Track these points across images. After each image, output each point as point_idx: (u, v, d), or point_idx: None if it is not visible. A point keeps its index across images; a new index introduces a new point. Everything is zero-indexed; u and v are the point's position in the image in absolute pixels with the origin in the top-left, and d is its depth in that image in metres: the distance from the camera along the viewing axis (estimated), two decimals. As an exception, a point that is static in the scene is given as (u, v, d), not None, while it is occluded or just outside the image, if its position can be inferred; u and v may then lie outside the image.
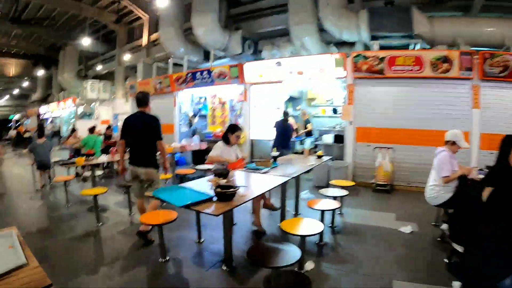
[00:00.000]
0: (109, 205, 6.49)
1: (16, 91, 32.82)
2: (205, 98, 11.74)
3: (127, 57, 18.36)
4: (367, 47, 9.70)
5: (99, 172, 7.81)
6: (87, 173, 8.16)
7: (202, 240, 4.50)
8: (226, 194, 3.07)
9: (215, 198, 3.12)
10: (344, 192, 5.14)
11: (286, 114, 8.36)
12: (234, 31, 12.00)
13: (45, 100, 30.01)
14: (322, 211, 4.35)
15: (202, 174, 7.32)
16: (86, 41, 15.83)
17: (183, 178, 7.21)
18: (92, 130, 9.38)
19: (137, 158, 4.54)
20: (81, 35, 18.07)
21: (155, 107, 12.11)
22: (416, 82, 7.56)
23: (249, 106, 9.54)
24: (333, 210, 4.54)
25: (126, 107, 18.86)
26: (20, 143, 17.79)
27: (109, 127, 10.84)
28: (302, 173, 4.98)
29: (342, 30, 9.88)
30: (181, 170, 7.63)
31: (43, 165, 7.81)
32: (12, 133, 22.03)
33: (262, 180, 4.21)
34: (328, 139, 8.88)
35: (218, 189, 3.10)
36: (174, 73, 11.38)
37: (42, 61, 25.39)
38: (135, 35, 20.16)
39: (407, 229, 4.84)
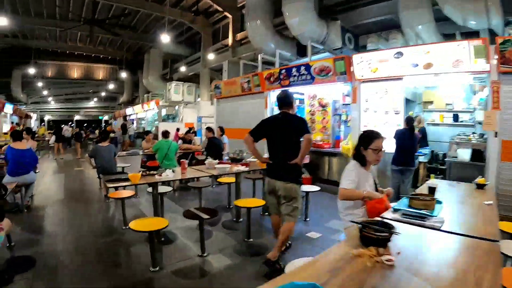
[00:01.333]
0: (178, 234, 5.10)
1: (104, 94, 35.28)
2: (302, 100, 10.16)
3: (211, 57, 17.72)
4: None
5: (166, 189, 5.84)
6: (149, 189, 6.07)
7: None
8: None
9: None
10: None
11: (410, 120, 6.63)
12: (331, 21, 10.43)
13: (132, 102, 31.33)
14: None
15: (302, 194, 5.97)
16: (169, 43, 15.40)
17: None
18: (166, 134, 8.10)
19: (277, 169, 3.81)
20: (165, 38, 18.04)
21: (243, 109, 11.25)
22: None
23: (359, 110, 7.79)
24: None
25: (211, 110, 18.29)
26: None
27: (189, 131, 9.76)
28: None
29: (467, 16, 8.00)
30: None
31: (105, 173, 6.68)
32: (97, 132, 22.72)
33: (452, 251, 2.06)
34: (465, 155, 6.81)
35: None
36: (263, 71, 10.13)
37: (128, 65, 26.35)
38: (220, 35, 19.76)
39: None
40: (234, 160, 5.99)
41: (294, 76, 8.58)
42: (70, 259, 4.14)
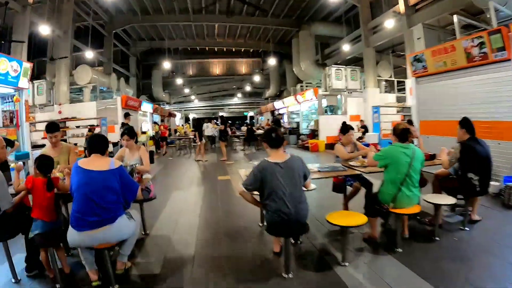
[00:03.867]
0: None
1: (248, 89, 35.26)
2: None
3: (390, 24, 14.35)
4: None
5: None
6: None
7: None
8: None
9: None
10: None
11: None
12: None
13: (279, 95, 30.48)
14: None
15: None
16: (319, 24, 12.95)
17: None
18: (404, 134, 3.95)
19: None
20: (313, 18, 16.07)
21: (468, 89, 7.17)
22: None
23: None
24: None
25: (380, 98, 15.40)
26: (251, 140, 17.11)
27: (410, 123, 6.98)
28: None
29: None
30: None
31: (284, 229, 3.32)
32: (243, 128, 22.27)
33: None
34: None
35: None
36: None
37: (272, 56, 25.20)
38: (381, 5, 16.55)
39: None
40: None
41: None
42: None
